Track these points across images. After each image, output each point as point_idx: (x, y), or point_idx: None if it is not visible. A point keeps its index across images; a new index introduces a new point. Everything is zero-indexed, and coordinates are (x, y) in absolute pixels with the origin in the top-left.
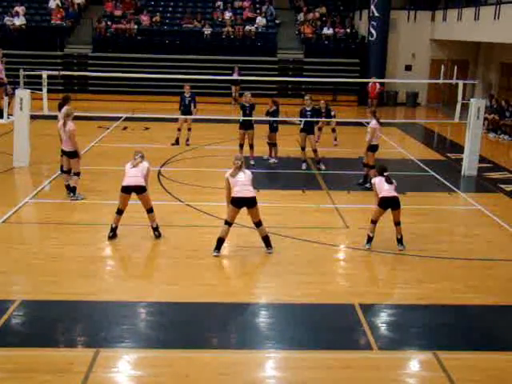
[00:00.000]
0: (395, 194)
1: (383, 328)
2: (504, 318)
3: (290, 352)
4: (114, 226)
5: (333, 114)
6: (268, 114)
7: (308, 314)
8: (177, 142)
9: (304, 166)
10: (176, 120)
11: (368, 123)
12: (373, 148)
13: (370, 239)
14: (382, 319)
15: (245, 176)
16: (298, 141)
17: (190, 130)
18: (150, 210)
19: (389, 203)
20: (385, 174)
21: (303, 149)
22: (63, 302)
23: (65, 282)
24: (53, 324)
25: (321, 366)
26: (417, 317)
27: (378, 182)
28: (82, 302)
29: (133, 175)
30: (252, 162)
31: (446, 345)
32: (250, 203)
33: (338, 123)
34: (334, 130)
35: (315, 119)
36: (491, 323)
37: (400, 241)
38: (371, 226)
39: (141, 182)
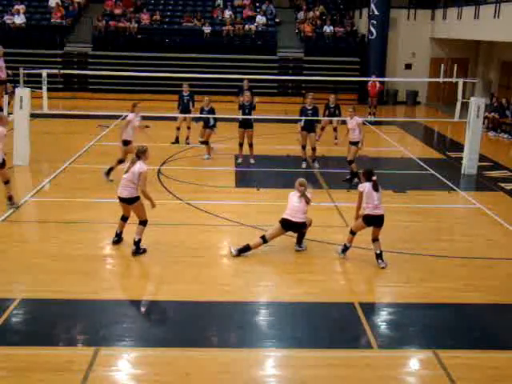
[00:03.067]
0: (381, 211)
1: (383, 327)
2: (504, 317)
3: (289, 350)
4: (118, 231)
5: (336, 112)
6: (203, 111)
7: (308, 313)
8: (177, 141)
9: (304, 164)
10: (175, 119)
11: (369, 121)
12: (356, 143)
13: (345, 249)
14: (382, 318)
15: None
16: (298, 140)
17: (189, 128)
18: (140, 222)
19: (373, 221)
20: (373, 178)
21: (304, 147)
22: (63, 300)
23: (65, 280)
24: (53, 323)
25: (321, 364)
26: (417, 315)
27: (367, 190)
28: (82, 300)
29: (122, 184)
30: (252, 161)
31: (446, 343)
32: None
33: (337, 122)
34: (335, 129)
35: (316, 118)
36: (491, 322)
37: (380, 256)
38: (350, 237)
39: (129, 192)
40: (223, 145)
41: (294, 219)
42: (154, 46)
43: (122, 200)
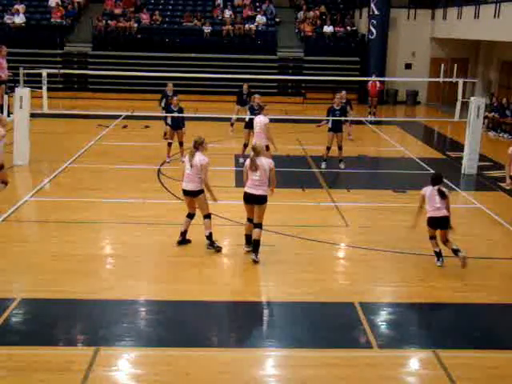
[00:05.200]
0: (445, 213)
1: (383, 326)
2: (504, 317)
3: (289, 350)
4: (182, 230)
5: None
6: (173, 111)
7: (308, 313)
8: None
9: (324, 165)
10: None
11: (369, 121)
12: None
13: (437, 254)
14: (382, 317)
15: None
16: (297, 139)
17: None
18: (205, 217)
19: (437, 223)
20: (437, 185)
21: (328, 149)
22: (63, 300)
23: (65, 280)
24: (53, 322)
25: (321, 364)
26: (417, 315)
27: (429, 194)
28: (82, 300)
29: (186, 177)
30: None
31: (446, 343)
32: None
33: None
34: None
35: (325, 118)
36: (491, 322)
37: (455, 251)
38: (432, 242)
39: (194, 186)
40: (221, 145)
41: (251, 191)
42: (153, 45)
43: (187, 193)
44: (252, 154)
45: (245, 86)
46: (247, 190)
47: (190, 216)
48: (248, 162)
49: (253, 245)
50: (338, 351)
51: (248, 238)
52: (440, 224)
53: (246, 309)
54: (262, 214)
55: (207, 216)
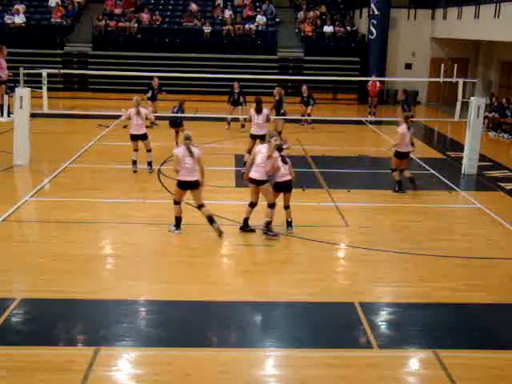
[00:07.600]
0: (289, 177)
1: (383, 326)
2: (504, 317)
3: (289, 350)
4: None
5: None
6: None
7: (308, 313)
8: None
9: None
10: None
11: (369, 121)
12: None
13: (267, 224)
14: (382, 317)
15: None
16: (295, 139)
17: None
18: (269, 205)
19: (282, 188)
20: (281, 152)
21: None
22: (63, 300)
23: (65, 280)
24: (53, 322)
25: (321, 364)
26: (417, 315)
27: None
28: (82, 300)
29: (255, 169)
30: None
31: (446, 343)
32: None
33: (337, 122)
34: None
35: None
36: (491, 322)
37: (290, 224)
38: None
39: (260, 175)
40: (221, 145)
41: (188, 179)
42: (154, 45)
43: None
44: (187, 142)
45: (235, 85)
46: (183, 178)
47: (252, 205)
48: (184, 149)
49: (209, 220)
50: (338, 351)
51: (178, 220)
52: (284, 189)
53: (245, 309)
54: (201, 196)
55: (271, 205)
